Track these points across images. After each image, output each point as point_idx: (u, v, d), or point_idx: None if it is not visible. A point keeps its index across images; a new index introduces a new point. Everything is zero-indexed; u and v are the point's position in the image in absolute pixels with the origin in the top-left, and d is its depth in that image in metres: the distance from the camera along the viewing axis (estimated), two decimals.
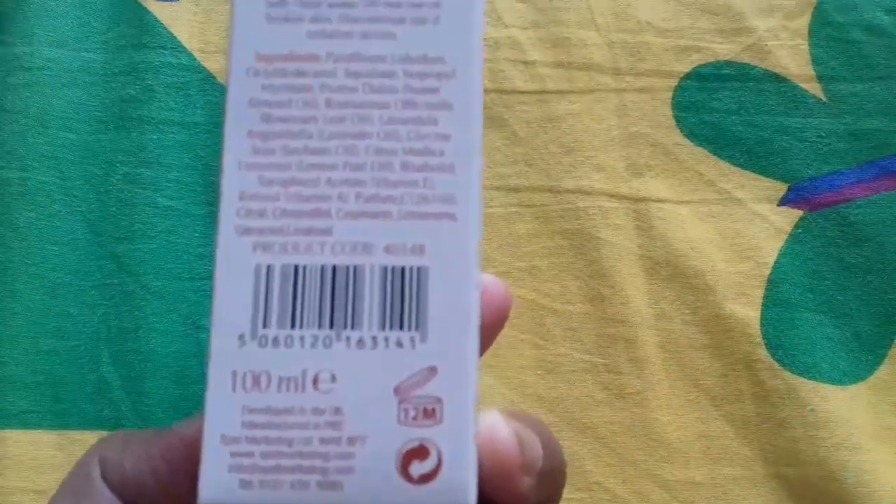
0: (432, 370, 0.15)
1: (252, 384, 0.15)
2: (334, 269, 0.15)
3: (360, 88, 0.16)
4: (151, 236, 0.32)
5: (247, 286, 0.15)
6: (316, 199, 0.16)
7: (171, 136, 0.32)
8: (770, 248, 0.32)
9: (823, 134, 0.33)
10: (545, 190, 0.32)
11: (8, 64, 0.32)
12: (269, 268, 0.15)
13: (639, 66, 0.33)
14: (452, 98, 0.16)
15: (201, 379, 0.15)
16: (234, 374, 0.15)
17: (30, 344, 0.31)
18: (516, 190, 0.32)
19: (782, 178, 0.33)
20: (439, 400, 0.15)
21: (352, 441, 0.15)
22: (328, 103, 0.16)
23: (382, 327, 0.15)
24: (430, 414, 0.15)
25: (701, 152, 0.33)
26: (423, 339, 0.15)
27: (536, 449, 0.17)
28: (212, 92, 0.33)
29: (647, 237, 0.32)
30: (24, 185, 0.32)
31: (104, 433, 0.30)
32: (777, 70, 0.33)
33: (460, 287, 0.15)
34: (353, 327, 0.15)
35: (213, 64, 0.33)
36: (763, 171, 0.33)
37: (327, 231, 0.16)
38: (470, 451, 0.15)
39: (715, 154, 0.33)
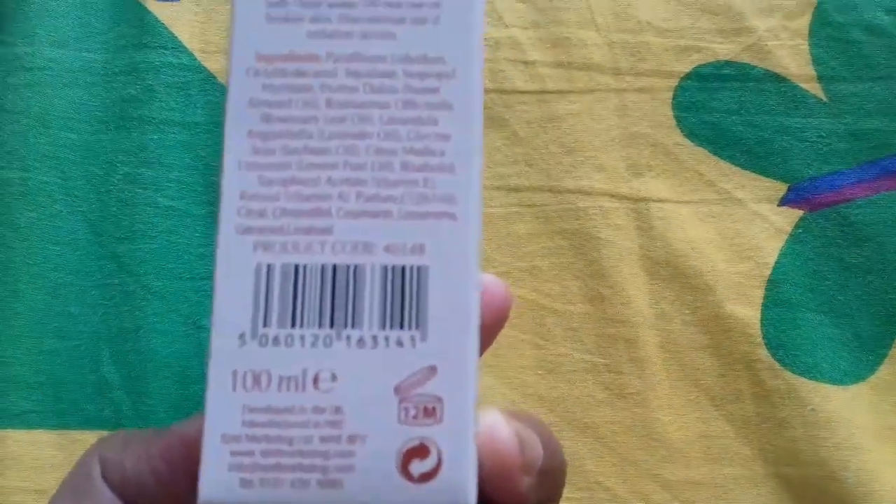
0: (432, 369, 0.15)
1: (252, 383, 0.15)
2: (335, 268, 0.15)
3: (360, 88, 0.16)
4: (152, 236, 0.32)
5: (247, 285, 0.15)
6: (316, 199, 0.16)
7: (172, 136, 0.32)
8: (770, 249, 0.32)
9: (824, 134, 0.33)
10: (545, 190, 0.32)
11: (9, 64, 0.32)
12: (269, 267, 0.15)
13: (639, 66, 0.33)
14: (452, 98, 0.16)
15: (202, 379, 0.15)
16: (235, 373, 0.15)
17: (32, 344, 0.31)
18: (516, 190, 0.32)
19: (782, 178, 0.33)
20: (439, 399, 0.15)
21: (352, 440, 0.15)
22: (328, 103, 0.16)
23: (383, 326, 0.15)
24: (430, 413, 0.15)
25: (701, 152, 0.33)
26: (424, 339, 0.15)
27: (537, 449, 0.17)
28: (212, 92, 0.33)
29: (647, 237, 0.32)
30: (26, 186, 0.32)
31: (105, 433, 0.30)
32: (777, 70, 0.33)
33: (460, 286, 0.15)
34: (353, 326, 0.15)
35: (213, 64, 0.33)
36: (763, 171, 0.33)
37: (327, 230, 0.16)
38: (470, 451, 0.15)
39: (715, 154, 0.33)
